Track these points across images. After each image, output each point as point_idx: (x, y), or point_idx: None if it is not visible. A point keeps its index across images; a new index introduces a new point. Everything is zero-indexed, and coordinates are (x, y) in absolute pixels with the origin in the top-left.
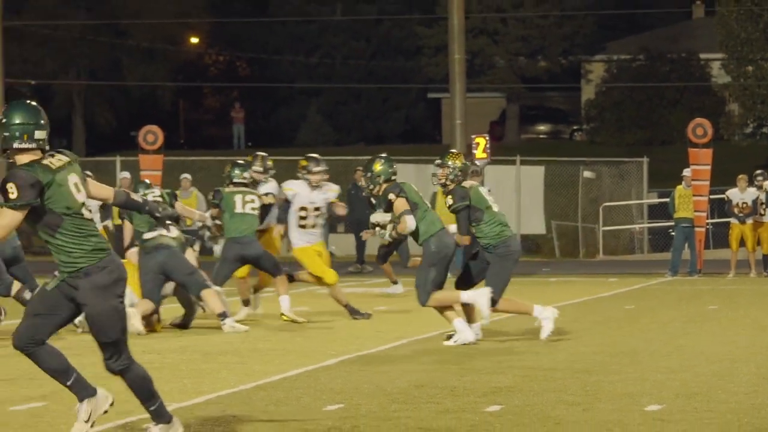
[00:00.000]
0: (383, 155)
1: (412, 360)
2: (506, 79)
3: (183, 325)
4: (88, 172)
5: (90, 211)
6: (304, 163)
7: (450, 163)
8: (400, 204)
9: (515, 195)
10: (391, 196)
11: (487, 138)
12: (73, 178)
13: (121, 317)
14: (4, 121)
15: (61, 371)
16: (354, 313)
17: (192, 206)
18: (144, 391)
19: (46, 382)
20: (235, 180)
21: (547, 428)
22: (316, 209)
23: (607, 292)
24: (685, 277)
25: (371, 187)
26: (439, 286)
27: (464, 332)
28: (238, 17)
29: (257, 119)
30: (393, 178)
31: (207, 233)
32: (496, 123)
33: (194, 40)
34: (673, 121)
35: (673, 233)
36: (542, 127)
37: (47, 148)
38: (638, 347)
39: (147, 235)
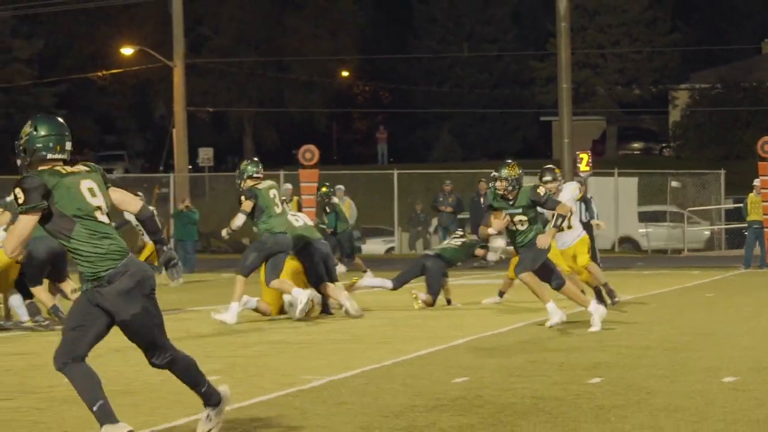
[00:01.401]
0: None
1: (527, 341)
2: (606, 105)
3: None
4: (140, 193)
5: (107, 215)
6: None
7: (506, 175)
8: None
9: (613, 202)
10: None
11: (590, 154)
12: (87, 183)
13: (152, 317)
14: (35, 133)
15: (90, 396)
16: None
17: (346, 212)
18: (190, 378)
19: (223, 357)
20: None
21: (640, 397)
22: None
23: (690, 282)
24: (755, 269)
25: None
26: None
27: (555, 314)
28: (382, 54)
29: (398, 139)
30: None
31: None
32: (597, 141)
33: (345, 73)
34: (746, 140)
35: (745, 233)
36: (636, 145)
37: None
38: (717, 328)
39: None
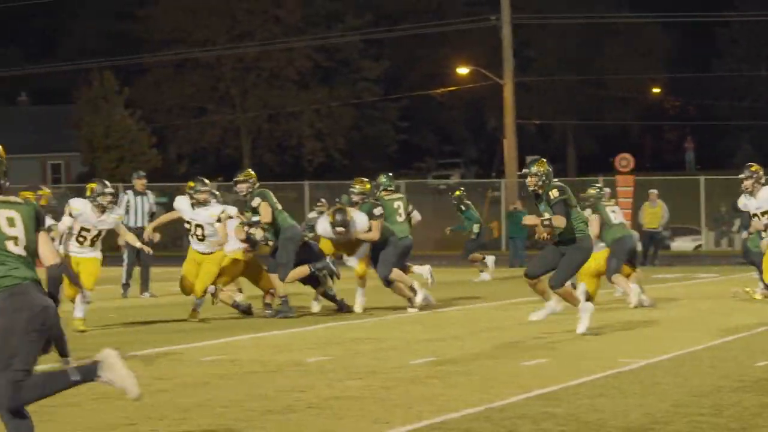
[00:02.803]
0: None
1: None
2: None
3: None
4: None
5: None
6: (191, 184)
7: (535, 170)
8: None
9: None
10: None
11: None
12: (7, 213)
13: (11, 338)
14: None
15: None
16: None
17: (657, 215)
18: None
19: (549, 342)
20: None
21: None
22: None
23: None
24: None
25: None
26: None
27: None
28: (688, 73)
29: (704, 148)
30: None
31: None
32: None
33: (656, 90)
34: None
35: None
36: None
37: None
38: None
39: None
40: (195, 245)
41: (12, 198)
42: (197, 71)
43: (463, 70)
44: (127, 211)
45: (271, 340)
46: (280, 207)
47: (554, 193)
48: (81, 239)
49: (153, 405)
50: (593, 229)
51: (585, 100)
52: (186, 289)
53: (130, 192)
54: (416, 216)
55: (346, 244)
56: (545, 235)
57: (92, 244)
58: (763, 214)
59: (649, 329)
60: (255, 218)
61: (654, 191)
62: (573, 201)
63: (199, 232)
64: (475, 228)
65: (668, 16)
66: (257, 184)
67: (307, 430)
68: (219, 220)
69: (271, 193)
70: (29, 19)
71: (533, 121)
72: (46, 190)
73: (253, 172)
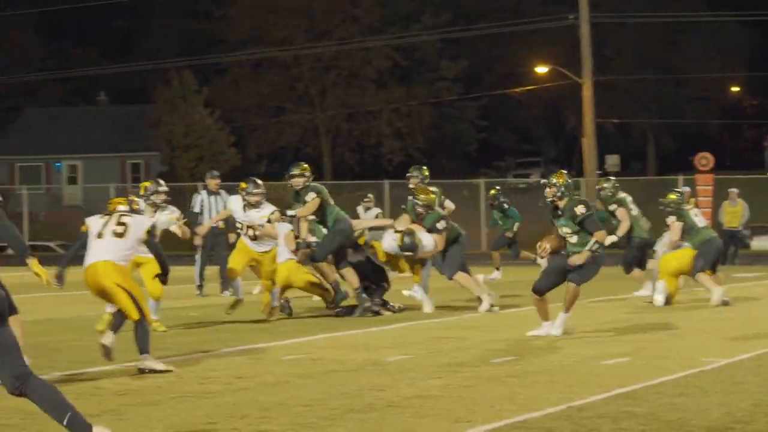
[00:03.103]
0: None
1: None
2: None
3: None
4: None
5: None
6: (243, 185)
7: (555, 181)
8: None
9: None
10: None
11: None
12: None
13: None
14: None
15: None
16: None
17: (738, 214)
18: None
19: (629, 342)
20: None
21: None
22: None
23: None
24: None
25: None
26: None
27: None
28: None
29: None
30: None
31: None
32: None
33: (735, 88)
34: None
35: None
36: None
37: None
38: None
39: None
40: (249, 243)
41: None
42: (275, 70)
43: (541, 69)
44: (201, 211)
45: (349, 339)
46: (332, 202)
47: (580, 210)
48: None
49: (234, 404)
50: (674, 235)
51: (664, 99)
52: (230, 277)
53: (204, 192)
54: (449, 205)
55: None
56: (547, 246)
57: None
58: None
59: (731, 328)
60: (290, 212)
61: (734, 190)
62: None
63: (250, 232)
64: (515, 226)
65: (747, 14)
66: (312, 178)
67: (388, 429)
68: (269, 221)
69: (325, 189)
70: (108, 19)
71: (612, 120)
72: (135, 198)
73: (307, 166)
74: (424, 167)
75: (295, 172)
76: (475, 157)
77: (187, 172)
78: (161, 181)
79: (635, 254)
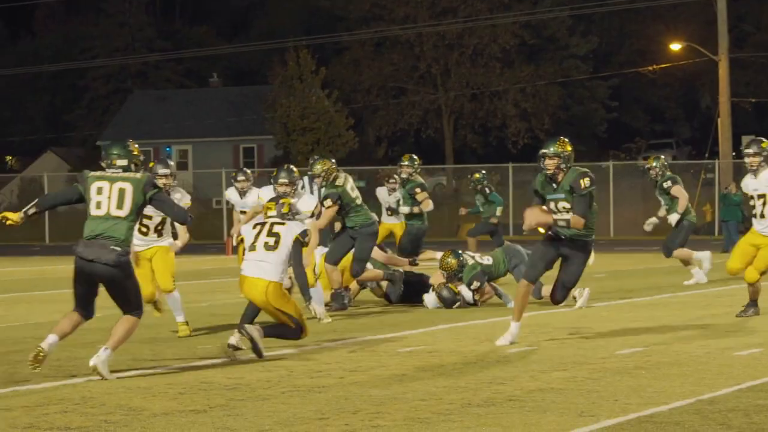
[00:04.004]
0: None
1: None
2: None
3: None
4: None
5: None
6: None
7: (556, 150)
8: None
9: None
10: None
11: None
12: None
13: None
14: None
15: None
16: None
17: None
18: None
19: (762, 332)
20: None
21: None
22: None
23: None
24: None
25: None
26: None
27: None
28: None
29: None
30: None
31: None
32: None
33: None
34: None
35: None
36: None
37: None
38: None
39: None
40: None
41: None
42: (397, 50)
43: (675, 46)
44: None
45: (471, 331)
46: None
47: (586, 182)
48: (144, 229)
49: (346, 398)
50: None
51: None
52: None
53: (306, 177)
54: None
55: None
56: (540, 228)
57: (157, 233)
58: (759, 197)
59: None
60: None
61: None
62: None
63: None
64: (498, 211)
65: None
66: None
67: (507, 425)
68: (312, 215)
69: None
70: None
71: (749, 99)
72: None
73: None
74: (416, 156)
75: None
76: (605, 138)
77: (303, 156)
78: (169, 162)
79: (685, 237)
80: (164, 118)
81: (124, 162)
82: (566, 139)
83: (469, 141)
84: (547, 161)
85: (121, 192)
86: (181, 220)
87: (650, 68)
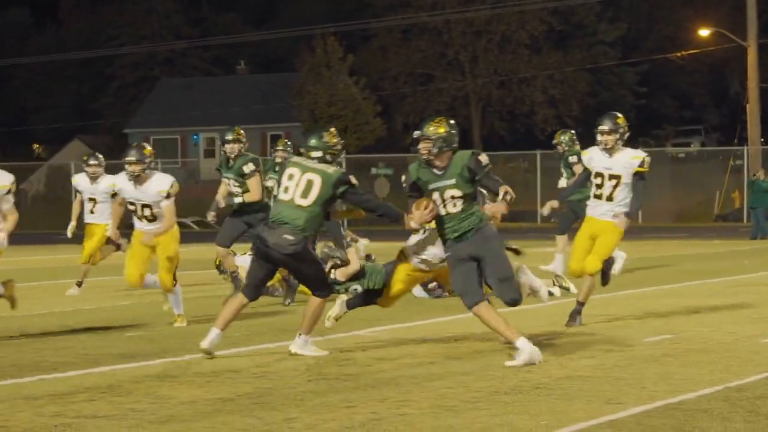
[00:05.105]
0: None
1: None
2: None
3: None
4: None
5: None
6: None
7: (430, 130)
8: None
9: None
10: None
11: None
12: None
13: None
14: None
15: None
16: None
17: None
18: None
19: None
20: None
21: None
22: None
23: None
24: None
25: None
26: None
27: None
28: None
29: None
30: None
31: None
32: None
33: None
34: None
35: None
36: None
37: None
38: None
39: None
40: None
41: None
42: (425, 36)
43: (704, 32)
44: None
45: None
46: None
47: (483, 158)
48: (140, 217)
49: (373, 386)
50: None
51: None
52: None
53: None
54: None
55: None
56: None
57: (149, 219)
58: (611, 178)
59: None
60: (237, 199)
61: None
62: None
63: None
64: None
65: None
66: (247, 146)
67: (534, 412)
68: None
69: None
70: None
71: None
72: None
73: (242, 131)
74: None
75: (230, 137)
76: (633, 125)
77: None
78: (140, 150)
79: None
80: (191, 105)
81: (318, 153)
82: (446, 118)
83: (496, 128)
84: (421, 144)
85: (309, 183)
86: (393, 218)
87: (679, 54)
